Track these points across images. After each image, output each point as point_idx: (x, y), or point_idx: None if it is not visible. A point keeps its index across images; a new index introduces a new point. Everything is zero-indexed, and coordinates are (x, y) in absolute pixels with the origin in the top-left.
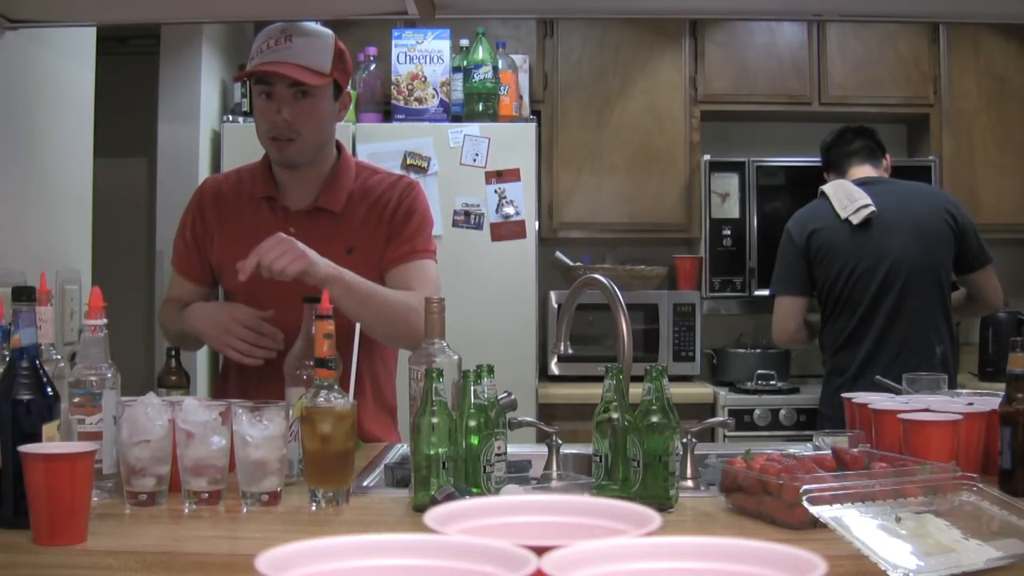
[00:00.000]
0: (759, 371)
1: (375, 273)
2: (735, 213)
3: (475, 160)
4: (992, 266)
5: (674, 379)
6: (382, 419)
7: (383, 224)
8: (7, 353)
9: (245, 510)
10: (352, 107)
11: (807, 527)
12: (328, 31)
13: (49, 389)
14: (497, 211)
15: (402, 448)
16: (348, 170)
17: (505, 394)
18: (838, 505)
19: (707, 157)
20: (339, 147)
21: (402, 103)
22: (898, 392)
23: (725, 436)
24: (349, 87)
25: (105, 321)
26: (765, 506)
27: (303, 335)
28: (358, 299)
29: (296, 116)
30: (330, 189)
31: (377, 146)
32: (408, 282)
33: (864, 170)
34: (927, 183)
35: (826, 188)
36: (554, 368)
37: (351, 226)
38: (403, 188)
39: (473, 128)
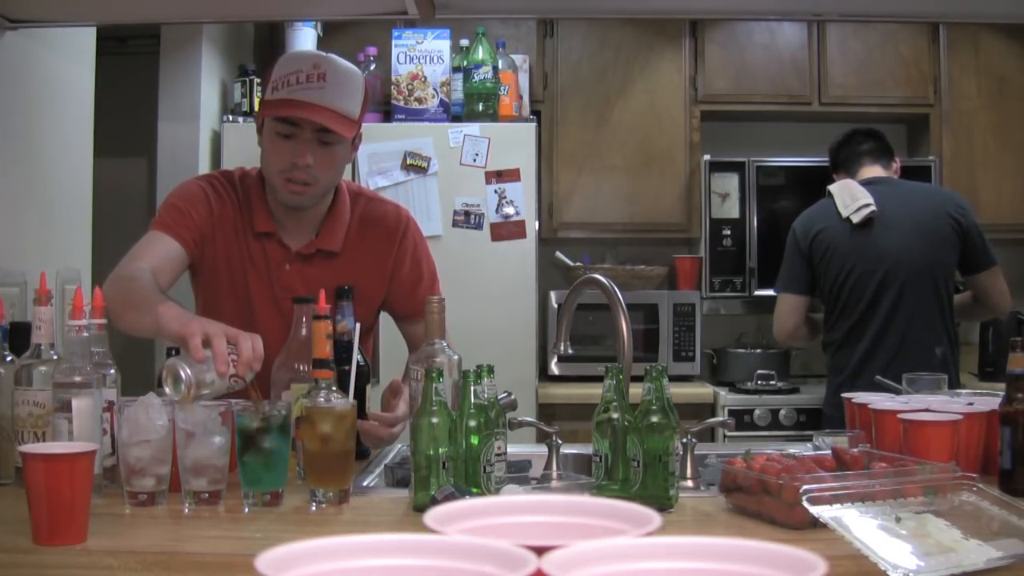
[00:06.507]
0: (759, 371)
1: (370, 310)
2: (735, 213)
3: (475, 160)
4: (998, 269)
5: (674, 379)
6: None
7: (385, 269)
8: (7, 353)
9: (247, 510)
10: None
11: (807, 527)
12: (357, 71)
13: None
14: (497, 211)
15: (402, 448)
16: (345, 205)
17: (505, 394)
18: (838, 505)
19: (707, 157)
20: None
21: (402, 103)
22: (898, 392)
23: (725, 436)
24: None
25: (92, 321)
26: (765, 506)
27: (292, 337)
28: None
29: (318, 162)
30: (329, 227)
31: (377, 146)
32: None
33: (875, 170)
34: (929, 183)
35: (832, 188)
36: (554, 368)
37: (350, 265)
38: (403, 230)
39: (473, 128)
